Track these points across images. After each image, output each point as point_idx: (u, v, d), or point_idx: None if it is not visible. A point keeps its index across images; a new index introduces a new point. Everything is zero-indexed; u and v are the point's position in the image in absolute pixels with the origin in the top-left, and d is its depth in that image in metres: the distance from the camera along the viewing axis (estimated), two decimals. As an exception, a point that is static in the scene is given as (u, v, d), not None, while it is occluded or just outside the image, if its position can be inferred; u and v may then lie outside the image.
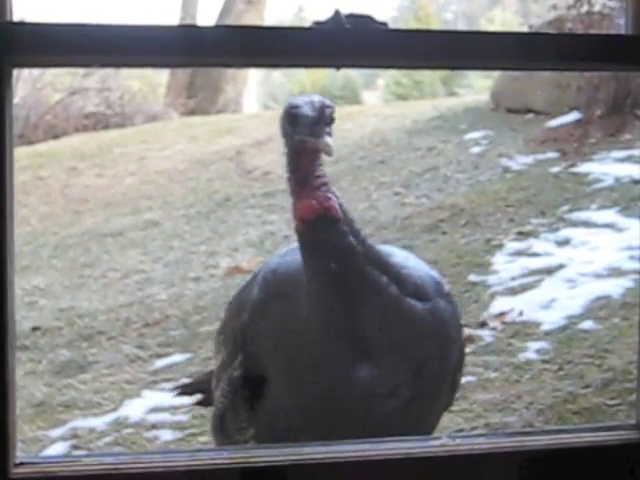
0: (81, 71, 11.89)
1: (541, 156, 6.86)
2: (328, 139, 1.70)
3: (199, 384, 2.59)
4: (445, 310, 1.87)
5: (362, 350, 1.76)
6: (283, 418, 1.85)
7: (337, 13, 1.39)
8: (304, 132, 1.70)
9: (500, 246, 5.22)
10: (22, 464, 1.34)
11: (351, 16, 1.39)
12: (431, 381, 1.86)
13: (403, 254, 1.93)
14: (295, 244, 1.80)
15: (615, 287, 4.35)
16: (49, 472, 1.35)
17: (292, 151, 1.74)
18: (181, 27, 1.65)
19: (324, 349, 1.77)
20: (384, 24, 1.41)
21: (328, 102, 1.74)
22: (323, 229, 1.71)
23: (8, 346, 1.32)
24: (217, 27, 1.47)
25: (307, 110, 1.71)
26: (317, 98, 1.74)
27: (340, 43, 1.37)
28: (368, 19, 1.41)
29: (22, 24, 1.30)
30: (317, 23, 1.39)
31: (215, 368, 2.12)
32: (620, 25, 6.30)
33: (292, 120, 1.72)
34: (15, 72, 1.35)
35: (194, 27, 1.52)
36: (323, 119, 1.71)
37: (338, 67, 1.49)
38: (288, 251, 1.93)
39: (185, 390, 2.74)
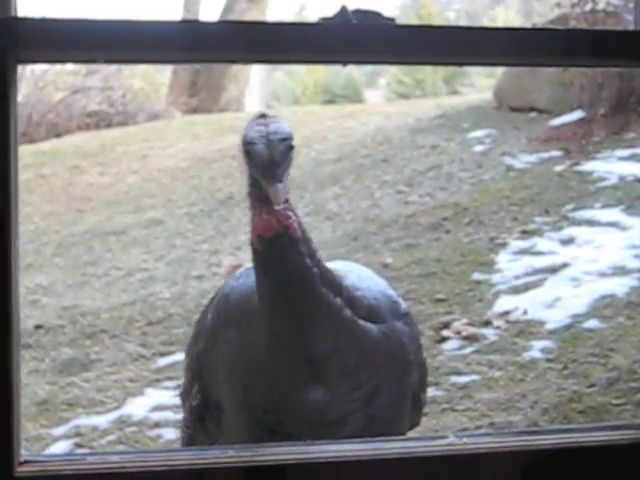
0: (83, 70, 11.90)
1: (545, 155, 6.85)
2: (278, 186, 1.61)
3: None
4: (402, 331, 1.81)
5: (314, 374, 1.71)
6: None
7: (344, 8, 1.37)
8: (258, 171, 1.65)
9: (504, 245, 5.21)
10: (26, 462, 1.33)
11: (358, 12, 1.38)
12: (387, 406, 1.80)
13: (359, 273, 1.88)
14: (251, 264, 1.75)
15: (620, 286, 4.34)
16: (53, 471, 1.34)
17: (251, 176, 1.70)
18: (185, 23, 1.64)
19: (275, 373, 1.73)
20: (392, 20, 1.40)
21: (285, 134, 1.67)
22: (280, 248, 1.66)
23: (13, 345, 1.31)
24: (220, 23, 1.47)
25: (261, 148, 1.64)
26: (275, 128, 1.67)
27: (347, 39, 1.36)
28: (375, 15, 1.40)
29: (26, 20, 1.29)
30: (324, 19, 1.38)
31: (180, 392, 2.08)
32: (628, 21, 6.29)
33: (246, 155, 1.67)
34: (19, 69, 1.34)
35: (199, 23, 1.51)
36: (274, 160, 1.63)
37: (345, 64, 1.48)
38: (244, 271, 1.89)
39: None
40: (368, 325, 1.75)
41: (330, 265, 1.80)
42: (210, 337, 1.85)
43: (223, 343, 1.79)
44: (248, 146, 1.66)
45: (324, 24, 1.35)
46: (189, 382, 1.95)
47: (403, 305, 1.87)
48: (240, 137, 1.70)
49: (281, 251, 1.65)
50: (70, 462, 1.37)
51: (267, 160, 1.63)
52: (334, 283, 1.71)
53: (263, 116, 1.72)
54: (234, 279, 1.91)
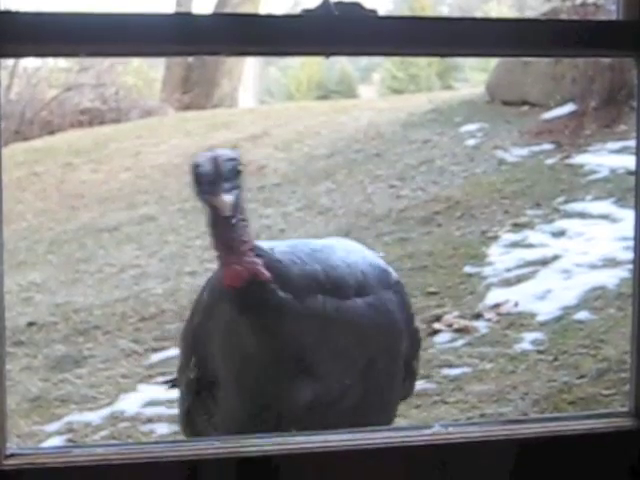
0: (76, 67, 11.88)
1: (536, 148, 6.86)
2: (225, 197, 1.64)
3: None
4: (390, 300, 1.84)
5: (303, 369, 1.75)
6: (234, 422, 1.84)
7: (326, 1, 1.38)
8: (205, 190, 1.66)
9: (495, 238, 5.22)
10: (13, 455, 1.34)
11: (340, 3, 1.39)
12: (383, 374, 1.84)
13: (348, 248, 1.91)
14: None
15: (610, 278, 4.35)
16: (40, 463, 1.34)
17: (209, 217, 1.70)
18: (174, 15, 1.64)
19: (264, 369, 1.77)
20: (373, 11, 1.41)
21: (232, 155, 1.70)
22: (254, 293, 1.67)
23: (-1, 338, 1.32)
24: (209, 15, 1.47)
25: (207, 167, 1.66)
26: (222, 152, 1.70)
27: (329, 30, 1.37)
28: (357, 6, 1.40)
29: (11, 13, 1.29)
30: (306, 11, 1.39)
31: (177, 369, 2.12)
32: (611, 12, 6.29)
33: (195, 179, 1.68)
34: (10, 67, 1.34)
35: (187, 15, 1.52)
36: (220, 175, 1.65)
37: (328, 55, 1.49)
38: None
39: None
40: (354, 302, 1.78)
41: (320, 241, 1.87)
42: (205, 311, 1.88)
43: (219, 317, 1.82)
44: (196, 169, 1.68)
45: (306, 16, 1.36)
46: (185, 356, 1.98)
47: (393, 274, 1.90)
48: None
49: (254, 296, 1.67)
50: (57, 455, 1.37)
51: (212, 175, 1.64)
52: (318, 279, 1.73)
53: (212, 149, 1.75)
54: None
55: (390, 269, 1.91)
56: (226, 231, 1.68)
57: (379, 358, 1.83)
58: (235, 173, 1.69)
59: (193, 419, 1.98)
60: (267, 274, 1.68)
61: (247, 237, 1.69)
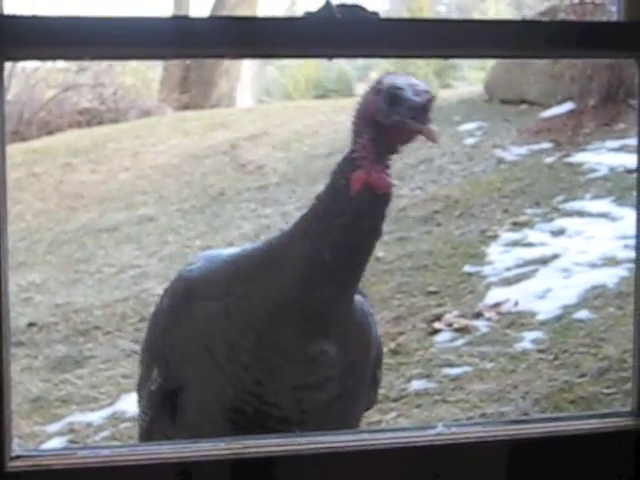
0: (74, 67, 11.87)
1: (535, 146, 6.86)
2: (433, 126, 1.71)
3: None
4: (364, 303, 1.87)
5: (315, 329, 1.76)
6: (206, 424, 1.83)
7: (328, 3, 1.39)
8: (406, 115, 1.70)
9: (495, 237, 5.23)
10: (18, 457, 1.34)
11: (342, 6, 1.39)
12: (357, 379, 1.85)
13: None
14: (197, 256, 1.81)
15: (610, 276, 4.36)
16: (45, 465, 1.35)
17: (384, 127, 1.73)
18: (172, 19, 1.64)
19: (278, 327, 1.76)
20: (375, 13, 1.41)
21: (427, 86, 1.74)
22: (384, 204, 1.72)
23: (3, 340, 1.32)
24: (208, 18, 1.47)
25: (410, 94, 1.70)
26: (417, 81, 1.73)
27: (331, 33, 1.37)
28: (359, 9, 1.41)
29: (13, 17, 1.30)
30: (308, 13, 1.39)
31: (136, 385, 2.10)
32: (611, 12, 6.30)
33: (393, 100, 1.71)
34: (8, 66, 1.35)
35: (185, 18, 1.52)
36: (428, 103, 1.70)
37: (330, 57, 1.49)
38: (196, 263, 1.95)
39: None
40: (359, 297, 1.82)
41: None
42: (171, 316, 1.88)
43: (195, 315, 1.82)
44: (397, 91, 1.70)
45: (308, 18, 1.36)
46: (146, 369, 1.97)
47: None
48: (370, 89, 1.76)
49: (383, 207, 1.72)
50: (61, 457, 1.38)
51: (419, 105, 1.69)
52: None
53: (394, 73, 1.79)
54: (185, 270, 1.95)
55: None
56: (395, 145, 1.74)
57: (358, 362, 1.84)
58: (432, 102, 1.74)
59: (154, 432, 1.95)
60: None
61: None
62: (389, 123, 1.71)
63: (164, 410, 1.91)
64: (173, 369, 1.87)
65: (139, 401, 2.04)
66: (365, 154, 1.72)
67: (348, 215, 1.70)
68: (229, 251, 1.97)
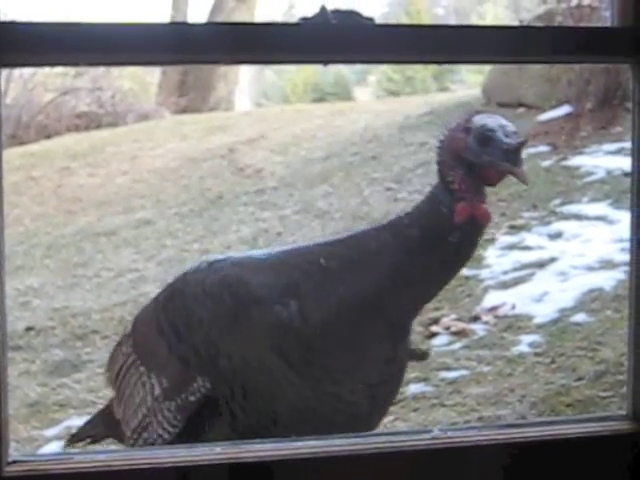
0: (72, 71, 11.86)
1: (532, 150, 6.86)
2: (525, 169, 1.77)
3: (92, 428, 2.51)
4: None
5: (390, 331, 1.86)
6: (268, 427, 1.83)
7: (323, 9, 1.39)
8: (497, 156, 1.75)
9: (492, 240, 5.23)
10: (15, 462, 1.35)
11: (337, 12, 1.40)
12: (387, 394, 1.95)
13: None
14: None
15: (607, 279, 4.36)
16: (42, 470, 1.35)
17: (474, 164, 1.80)
18: (168, 25, 1.65)
19: (358, 328, 1.82)
20: (370, 19, 1.42)
21: (515, 128, 1.80)
22: (480, 235, 1.83)
23: (0, 345, 1.32)
24: (204, 24, 1.48)
25: (501, 135, 1.76)
26: (506, 122, 1.79)
27: (326, 39, 1.38)
28: (354, 14, 1.41)
29: (11, 23, 1.31)
30: (304, 19, 1.40)
31: (136, 403, 2.04)
32: (606, 17, 6.30)
33: (485, 141, 1.77)
34: (5, 72, 1.35)
35: (181, 24, 1.53)
36: (520, 148, 1.76)
37: (325, 63, 1.50)
38: (215, 262, 1.98)
39: (80, 437, 2.57)
40: None
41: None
42: (226, 322, 1.87)
43: (259, 318, 1.83)
44: (489, 133, 1.77)
45: (303, 24, 1.37)
46: (178, 380, 1.93)
47: None
48: (464, 124, 1.82)
49: (480, 236, 1.83)
50: (58, 461, 1.38)
51: (510, 147, 1.75)
52: None
53: (481, 111, 1.88)
54: (213, 271, 1.96)
55: None
56: (490, 182, 1.80)
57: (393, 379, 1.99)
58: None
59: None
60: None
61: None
62: (480, 163, 1.78)
63: (199, 420, 1.90)
64: (228, 376, 1.86)
65: (146, 419, 1.99)
66: (465, 187, 1.79)
67: (448, 242, 1.79)
68: (262, 252, 2.02)
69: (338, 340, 1.81)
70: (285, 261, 1.91)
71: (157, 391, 1.99)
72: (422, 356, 2.42)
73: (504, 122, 1.79)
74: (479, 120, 1.80)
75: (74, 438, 2.56)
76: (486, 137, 1.77)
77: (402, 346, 1.89)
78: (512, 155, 1.75)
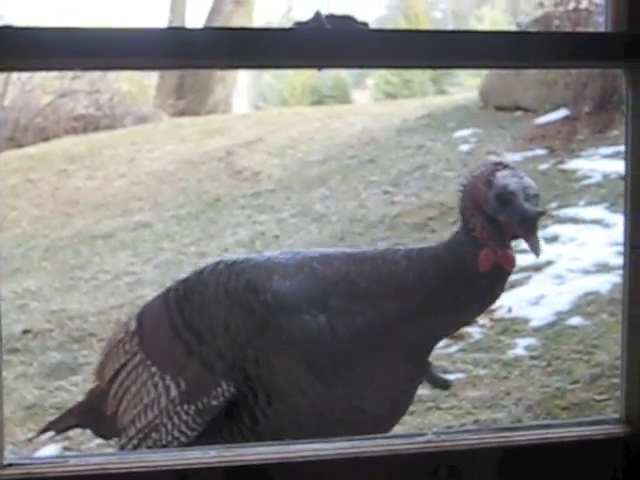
0: (70, 73, 11.87)
1: (529, 153, 6.88)
2: (539, 239, 1.78)
3: (69, 418, 2.53)
4: None
5: (413, 352, 1.90)
6: (292, 432, 1.84)
7: (317, 14, 1.40)
8: (514, 220, 1.76)
9: (489, 244, 5.22)
10: (10, 465, 1.35)
11: (332, 16, 1.40)
12: (406, 404, 2.00)
13: None
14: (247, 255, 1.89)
15: (603, 283, 4.37)
16: (37, 473, 1.35)
17: (491, 217, 1.81)
18: (165, 30, 1.66)
19: (386, 348, 1.85)
20: (365, 24, 1.42)
21: (537, 190, 1.80)
22: (505, 281, 1.86)
23: (-4, 349, 1.33)
24: (201, 29, 1.49)
25: (522, 200, 1.76)
26: (528, 183, 1.78)
27: (321, 43, 1.38)
28: (349, 19, 1.42)
29: (8, 28, 1.31)
30: (298, 24, 1.40)
31: (144, 403, 2.03)
32: (599, 22, 6.32)
33: (505, 202, 1.78)
34: (2, 75, 1.36)
35: (177, 29, 1.53)
36: (537, 216, 1.77)
37: (319, 68, 1.50)
38: (240, 261, 1.97)
39: (54, 427, 2.62)
40: None
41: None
42: (256, 329, 1.87)
43: (289, 328, 1.85)
44: (510, 196, 1.77)
45: (297, 29, 1.37)
46: (201, 383, 1.92)
47: None
48: (486, 176, 1.82)
49: (506, 280, 1.86)
50: (54, 464, 1.39)
51: (531, 216, 1.76)
52: None
53: (506, 166, 1.85)
54: (234, 273, 1.96)
55: None
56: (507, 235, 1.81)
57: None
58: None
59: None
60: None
61: None
62: (497, 219, 1.79)
63: (217, 423, 1.90)
64: (254, 382, 1.86)
65: (160, 422, 1.97)
66: (486, 235, 1.80)
67: (475, 286, 1.82)
68: (283, 254, 2.00)
69: (364, 358, 1.83)
70: (313, 269, 1.90)
71: (173, 393, 1.97)
72: (446, 386, 2.46)
73: (527, 183, 1.78)
74: (502, 179, 1.79)
75: (45, 430, 2.57)
76: (506, 199, 1.77)
77: (422, 363, 1.93)
78: (528, 222, 1.75)
